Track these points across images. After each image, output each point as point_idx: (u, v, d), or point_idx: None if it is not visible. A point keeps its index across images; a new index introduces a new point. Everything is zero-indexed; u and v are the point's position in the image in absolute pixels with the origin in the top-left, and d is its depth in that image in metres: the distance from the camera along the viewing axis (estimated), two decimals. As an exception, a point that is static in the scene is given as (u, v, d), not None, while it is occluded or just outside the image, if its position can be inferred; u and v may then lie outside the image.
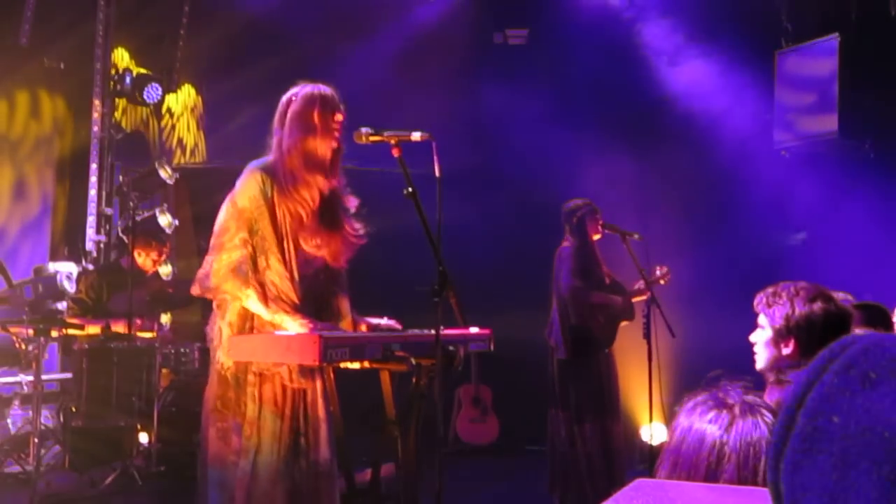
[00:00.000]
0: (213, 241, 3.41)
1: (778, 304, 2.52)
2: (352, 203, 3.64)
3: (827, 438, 0.66)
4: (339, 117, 3.49)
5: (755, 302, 2.60)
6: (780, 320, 2.50)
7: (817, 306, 2.47)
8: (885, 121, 6.92)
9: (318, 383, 3.39)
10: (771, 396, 2.35)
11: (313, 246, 3.46)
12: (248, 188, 3.39)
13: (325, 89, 3.53)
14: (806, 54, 7.17)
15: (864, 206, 6.79)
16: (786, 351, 2.51)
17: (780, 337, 2.52)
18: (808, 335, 2.46)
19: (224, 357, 3.36)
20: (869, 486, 0.63)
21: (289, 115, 3.47)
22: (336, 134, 3.49)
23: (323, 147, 3.46)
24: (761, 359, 2.58)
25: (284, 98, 3.54)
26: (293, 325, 3.27)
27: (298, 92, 3.51)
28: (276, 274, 3.34)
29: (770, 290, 2.57)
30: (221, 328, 3.39)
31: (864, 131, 7.01)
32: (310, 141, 3.44)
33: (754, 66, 7.53)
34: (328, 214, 3.53)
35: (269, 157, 3.49)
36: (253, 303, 3.31)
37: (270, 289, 3.33)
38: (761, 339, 2.58)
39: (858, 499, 0.64)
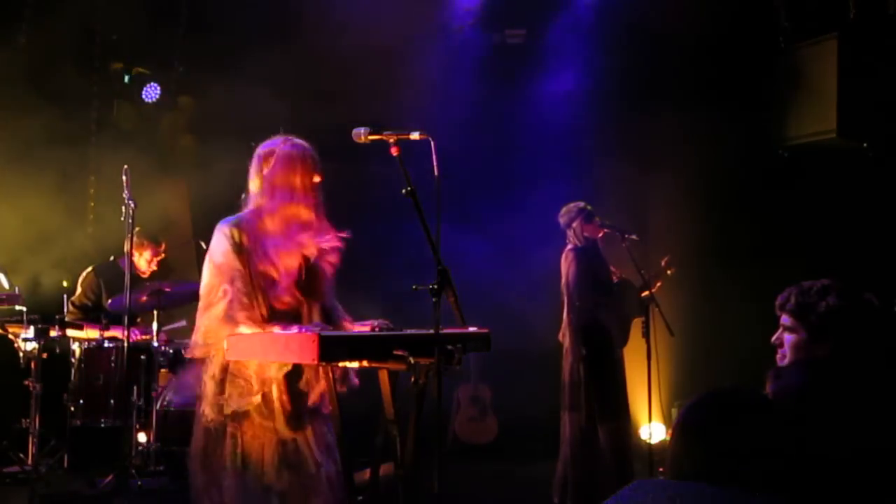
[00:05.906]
0: (200, 303, 3.40)
1: (793, 303, 2.54)
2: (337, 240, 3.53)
3: None
4: (317, 179, 3.45)
5: (777, 304, 2.62)
6: (799, 317, 2.53)
7: (831, 300, 2.50)
8: (885, 121, 6.92)
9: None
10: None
11: (283, 304, 3.43)
12: (219, 245, 3.38)
13: (303, 149, 3.47)
14: (804, 54, 7.16)
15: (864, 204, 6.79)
16: (804, 340, 2.53)
17: (793, 331, 2.54)
18: (822, 329, 2.49)
19: (208, 410, 3.36)
20: None
21: (268, 177, 3.42)
22: (315, 196, 3.44)
23: (306, 211, 3.44)
24: (788, 358, 2.60)
25: (260, 150, 3.48)
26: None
27: (276, 150, 3.45)
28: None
29: (788, 290, 2.60)
30: (206, 382, 3.41)
31: (863, 131, 7.00)
32: (293, 207, 3.41)
33: (753, 65, 7.52)
34: (309, 277, 3.49)
35: (244, 213, 3.45)
36: (247, 329, 3.29)
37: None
38: (784, 338, 2.59)
39: None
